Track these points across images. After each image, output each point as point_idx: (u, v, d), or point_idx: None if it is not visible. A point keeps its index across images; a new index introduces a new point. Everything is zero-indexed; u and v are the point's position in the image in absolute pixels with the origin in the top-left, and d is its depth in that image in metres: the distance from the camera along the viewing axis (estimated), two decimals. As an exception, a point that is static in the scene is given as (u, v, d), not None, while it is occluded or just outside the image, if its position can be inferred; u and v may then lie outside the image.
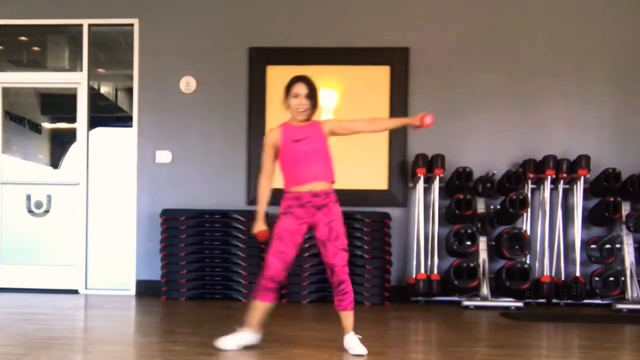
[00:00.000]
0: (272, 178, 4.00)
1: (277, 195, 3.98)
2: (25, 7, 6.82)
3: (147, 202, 6.65)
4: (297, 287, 6.21)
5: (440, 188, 6.36)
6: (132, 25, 6.73)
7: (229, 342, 3.94)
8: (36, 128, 7.38)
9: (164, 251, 6.37)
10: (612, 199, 6.17)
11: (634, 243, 6.25)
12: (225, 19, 6.70)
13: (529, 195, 6.32)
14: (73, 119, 6.87)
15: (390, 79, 6.61)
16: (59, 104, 7.42)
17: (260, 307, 3.96)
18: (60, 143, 7.22)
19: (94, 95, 6.93)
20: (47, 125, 7.47)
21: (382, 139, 6.58)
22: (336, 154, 6.41)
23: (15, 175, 6.99)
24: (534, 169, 6.35)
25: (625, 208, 6.23)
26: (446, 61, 6.60)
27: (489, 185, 6.29)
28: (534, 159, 6.38)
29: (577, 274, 6.22)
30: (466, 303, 6.06)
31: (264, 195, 4.01)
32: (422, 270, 6.26)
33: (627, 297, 6.11)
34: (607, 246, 6.32)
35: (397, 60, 6.60)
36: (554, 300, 6.27)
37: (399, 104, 6.58)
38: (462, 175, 6.22)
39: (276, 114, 6.68)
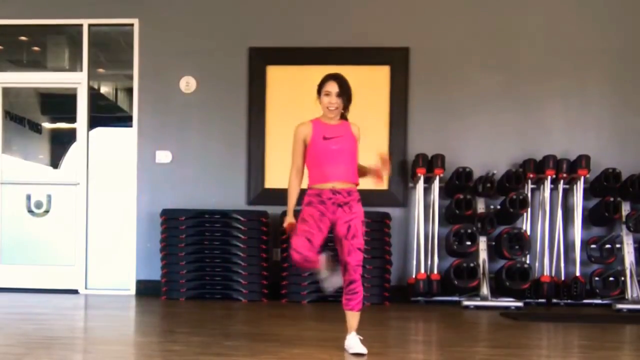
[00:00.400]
0: (302, 173, 3.95)
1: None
2: (25, 7, 6.82)
3: (147, 202, 6.65)
4: (297, 287, 6.22)
5: (440, 188, 6.36)
6: (132, 25, 6.73)
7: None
8: (36, 128, 7.38)
9: (163, 251, 6.37)
10: (612, 199, 6.16)
11: (634, 243, 6.25)
12: (225, 19, 6.70)
13: (529, 195, 6.32)
14: (73, 119, 6.87)
15: (390, 79, 6.61)
16: (59, 104, 7.42)
17: (320, 261, 3.83)
18: (60, 143, 7.22)
19: (94, 95, 6.93)
20: (47, 125, 7.47)
21: (382, 139, 6.58)
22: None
23: (15, 175, 6.99)
24: (534, 169, 6.35)
25: (625, 208, 6.23)
26: (446, 61, 6.60)
27: (489, 185, 6.28)
28: (534, 159, 6.38)
29: (577, 274, 6.22)
30: (466, 303, 6.06)
31: (294, 191, 3.94)
32: (422, 270, 6.26)
33: (627, 297, 6.11)
34: (607, 246, 6.32)
35: (397, 60, 6.60)
36: (554, 300, 6.27)
37: (399, 104, 6.59)
38: (462, 175, 6.22)
39: (276, 114, 6.75)
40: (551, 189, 6.39)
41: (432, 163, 6.31)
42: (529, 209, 6.31)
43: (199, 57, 6.68)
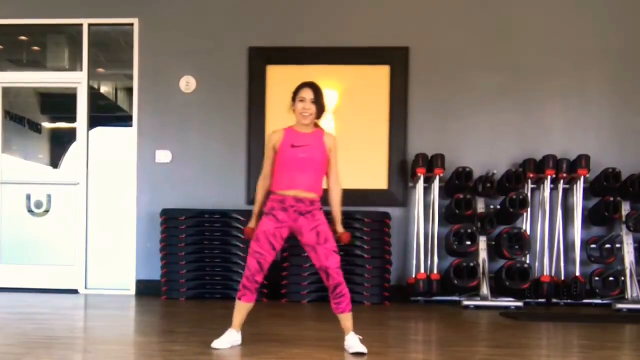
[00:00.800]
0: (270, 180, 4.02)
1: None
2: (25, 7, 6.82)
3: (147, 202, 6.65)
4: (297, 287, 6.22)
5: (440, 188, 6.36)
6: (132, 25, 6.73)
7: (223, 341, 3.97)
8: (36, 128, 7.38)
9: (164, 251, 6.37)
10: (612, 199, 6.17)
11: (634, 243, 6.25)
12: (225, 19, 6.70)
13: (529, 195, 6.32)
14: (73, 119, 6.87)
15: (390, 79, 6.61)
16: (59, 103, 7.42)
17: (240, 307, 3.99)
18: (60, 143, 7.22)
19: (94, 95, 6.93)
20: (47, 125, 7.46)
21: (382, 139, 6.59)
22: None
23: (15, 175, 6.99)
24: (534, 169, 6.35)
25: (625, 208, 6.23)
26: (446, 61, 6.60)
27: (489, 185, 6.28)
28: (534, 159, 6.38)
29: (577, 273, 6.22)
30: (466, 303, 6.06)
31: (259, 197, 4.05)
32: (422, 270, 6.26)
33: (627, 297, 6.11)
34: (607, 246, 6.32)
35: (397, 60, 6.60)
36: (554, 300, 6.27)
37: (399, 104, 6.59)
38: (462, 175, 6.22)
39: (276, 114, 6.74)
40: (551, 189, 6.39)
41: (432, 163, 6.31)
42: (529, 209, 6.31)
43: (199, 57, 6.68)
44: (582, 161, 6.21)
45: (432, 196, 6.37)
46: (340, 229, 4.02)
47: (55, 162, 7.25)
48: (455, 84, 6.58)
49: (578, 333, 4.89)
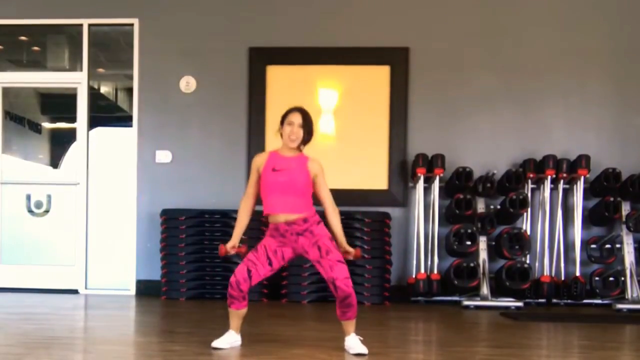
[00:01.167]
0: (253, 200, 4.03)
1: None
2: (25, 7, 6.82)
3: (147, 202, 6.65)
4: (297, 287, 6.22)
5: (440, 188, 6.36)
6: (132, 25, 6.72)
7: (222, 341, 3.97)
8: (36, 128, 7.38)
9: (164, 251, 6.37)
10: (612, 199, 6.17)
11: (634, 243, 6.24)
12: (225, 19, 6.70)
13: (529, 195, 6.32)
14: (73, 119, 6.87)
15: (390, 79, 6.61)
16: (59, 104, 7.42)
17: (232, 313, 4.00)
18: (60, 143, 7.22)
19: (94, 95, 6.93)
20: (47, 125, 7.47)
21: (382, 139, 6.59)
22: (336, 154, 6.52)
23: (15, 175, 6.98)
24: (534, 168, 6.35)
25: (625, 208, 6.23)
26: (446, 61, 6.60)
27: (489, 185, 6.28)
28: (534, 158, 6.38)
29: (577, 273, 6.22)
30: (466, 303, 6.06)
31: (241, 217, 4.03)
32: (422, 270, 6.26)
33: (627, 297, 6.11)
34: (607, 246, 6.32)
35: (397, 60, 6.60)
36: (554, 300, 6.27)
37: (399, 103, 6.59)
38: (462, 175, 6.22)
39: (276, 114, 6.67)
40: (551, 189, 6.39)
41: (432, 163, 6.31)
42: (529, 209, 6.31)
43: (199, 57, 6.68)
44: (582, 161, 6.21)
45: (432, 196, 6.37)
46: (346, 248, 3.94)
47: (55, 162, 7.25)
48: (455, 84, 6.58)
49: (578, 333, 4.89)
